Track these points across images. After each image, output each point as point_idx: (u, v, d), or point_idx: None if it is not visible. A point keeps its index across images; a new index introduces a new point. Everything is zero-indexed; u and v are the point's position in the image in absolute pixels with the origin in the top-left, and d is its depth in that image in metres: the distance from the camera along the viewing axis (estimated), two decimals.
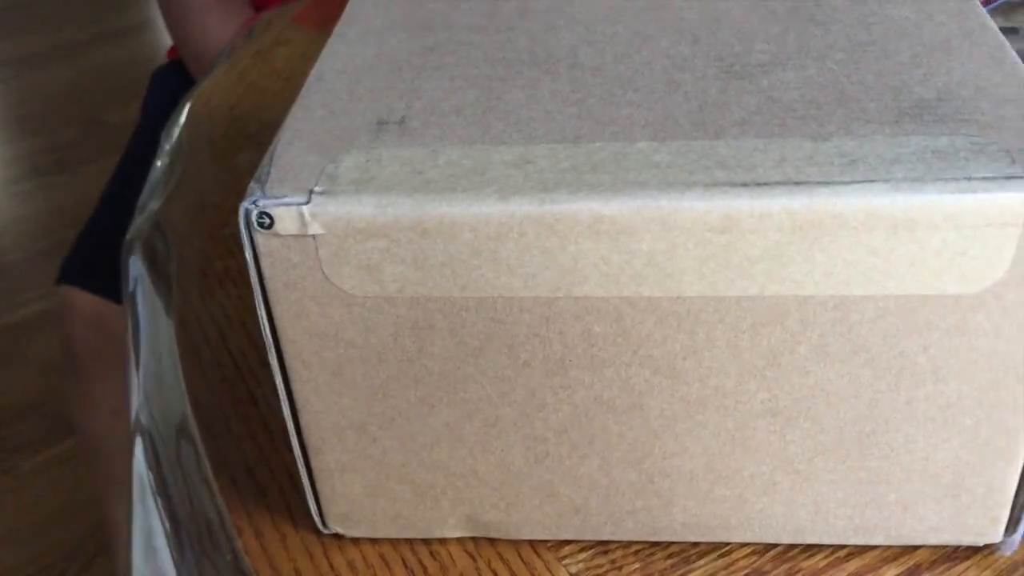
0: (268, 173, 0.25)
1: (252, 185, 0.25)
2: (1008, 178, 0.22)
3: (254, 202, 0.24)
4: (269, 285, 0.25)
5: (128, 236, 0.46)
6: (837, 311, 0.24)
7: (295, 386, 0.27)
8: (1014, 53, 0.27)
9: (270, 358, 0.26)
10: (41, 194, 1.80)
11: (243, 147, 0.49)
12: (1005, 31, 0.53)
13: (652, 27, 0.30)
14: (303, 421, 0.27)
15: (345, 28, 0.32)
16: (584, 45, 0.29)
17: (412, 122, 0.26)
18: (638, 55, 0.28)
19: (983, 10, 0.29)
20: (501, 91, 0.27)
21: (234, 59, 0.59)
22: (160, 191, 0.48)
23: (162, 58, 1.02)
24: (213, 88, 0.55)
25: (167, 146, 0.52)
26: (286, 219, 0.24)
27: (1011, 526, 0.27)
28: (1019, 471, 0.26)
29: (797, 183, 0.23)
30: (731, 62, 0.28)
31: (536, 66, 0.28)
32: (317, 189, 0.24)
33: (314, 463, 0.28)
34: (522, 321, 0.25)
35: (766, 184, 0.23)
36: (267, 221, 0.24)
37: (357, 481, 0.29)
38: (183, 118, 0.53)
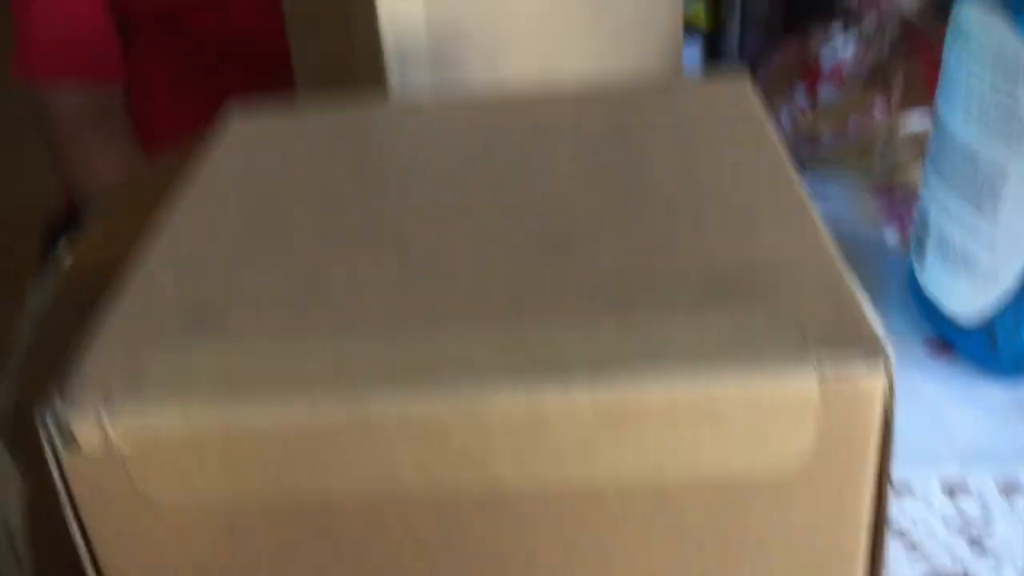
0: (71, 374, 0.24)
1: (51, 388, 0.24)
2: (798, 358, 0.22)
3: (53, 411, 0.23)
4: (76, 492, 0.24)
5: None
6: (656, 499, 0.24)
7: None
8: (820, 223, 0.28)
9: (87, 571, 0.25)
10: None
11: None
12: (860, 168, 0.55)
13: (478, 200, 0.30)
14: None
15: (177, 212, 0.32)
16: (411, 222, 0.30)
17: (229, 316, 0.26)
18: (461, 231, 0.29)
19: (797, 177, 0.30)
20: (323, 277, 0.27)
21: (110, 217, 0.58)
22: (22, 360, 0.47)
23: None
24: (86, 249, 0.54)
25: (33, 310, 0.50)
26: (87, 430, 0.23)
27: None
28: None
29: (602, 371, 0.23)
30: (550, 236, 0.28)
31: (361, 248, 0.29)
32: (119, 393, 0.23)
33: None
34: (343, 523, 0.24)
35: (572, 375, 0.23)
36: (68, 434, 0.23)
37: None
38: (52, 280, 0.52)
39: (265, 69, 0.91)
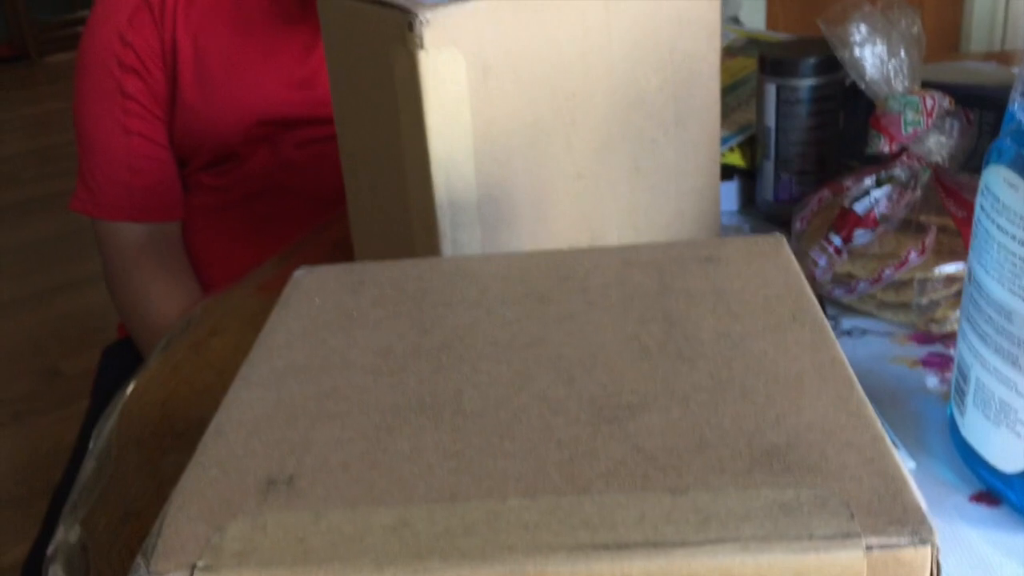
0: (155, 546, 0.26)
1: (138, 560, 0.25)
2: (846, 536, 0.23)
3: None
4: None
5: (49, 550, 0.46)
6: None
7: None
8: (860, 390, 0.29)
9: None
10: None
11: (171, 448, 0.50)
12: (895, 307, 0.56)
13: (532, 365, 0.32)
14: None
15: (249, 370, 0.34)
16: (469, 387, 0.31)
17: (300, 481, 0.28)
18: (517, 398, 0.30)
19: (835, 340, 0.32)
20: (387, 442, 0.29)
21: (170, 351, 0.61)
22: (86, 497, 0.49)
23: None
24: (147, 383, 0.57)
25: (96, 447, 0.52)
26: None
27: None
28: None
29: (655, 544, 0.24)
30: (602, 405, 0.30)
31: (422, 412, 0.30)
32: (200, 564, 0.25)
33: None
34: None
35: (626, 546, 0.24)
36: None
37: None
38: (114, 416, 0.54)
39: (316, 204, 0.96)
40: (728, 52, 0.88)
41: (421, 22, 0.46)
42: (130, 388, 0.58)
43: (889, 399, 0.52)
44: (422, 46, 0.47)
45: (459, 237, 0.50)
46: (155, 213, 0.97)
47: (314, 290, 0.39)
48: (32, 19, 4.71)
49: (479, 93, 0.49)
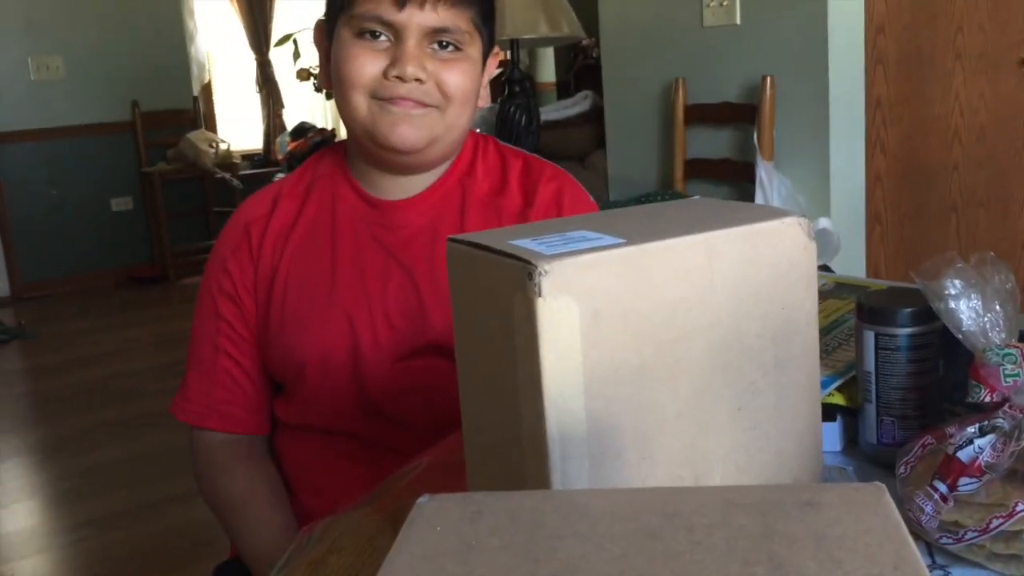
0: None
1: None
2: None
3: None
4: None
5: None
6: None
7: None
8: None
9: None
10: None
11: None
12: (1006, 557, 0.56)
13: None
14: None
15: None
16: None
17: None
18: None
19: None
20: None
21: (290, 567, 0.64)
22: None
23: None
24: None
25: None
26: None
27: None
28: None
29: None
30: None
31: None
32: None
33: None
34: None
35: None
36: None
37: None
38: None
39: (402, 428, 1.00)
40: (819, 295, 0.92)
41: (540, 273, 0.52)
42: None
43: None
44: (540, 294, 0.52)
45: (568, 469, 0.53)
46: (234, 424, 1.06)
47: (436, 517, 0.42)
48: (173, 246, 5.14)
49: (590, 336, 0.54)
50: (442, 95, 0.96)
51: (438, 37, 0.95)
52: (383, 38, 0.95)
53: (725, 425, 0.59)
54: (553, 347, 0.52)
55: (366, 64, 0.95)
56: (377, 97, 0.95)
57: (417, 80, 0.94)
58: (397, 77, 0.94)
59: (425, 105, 0.96)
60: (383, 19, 0.93)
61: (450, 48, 0.96)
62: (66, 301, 4.86)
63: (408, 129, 0.96)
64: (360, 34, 0.95)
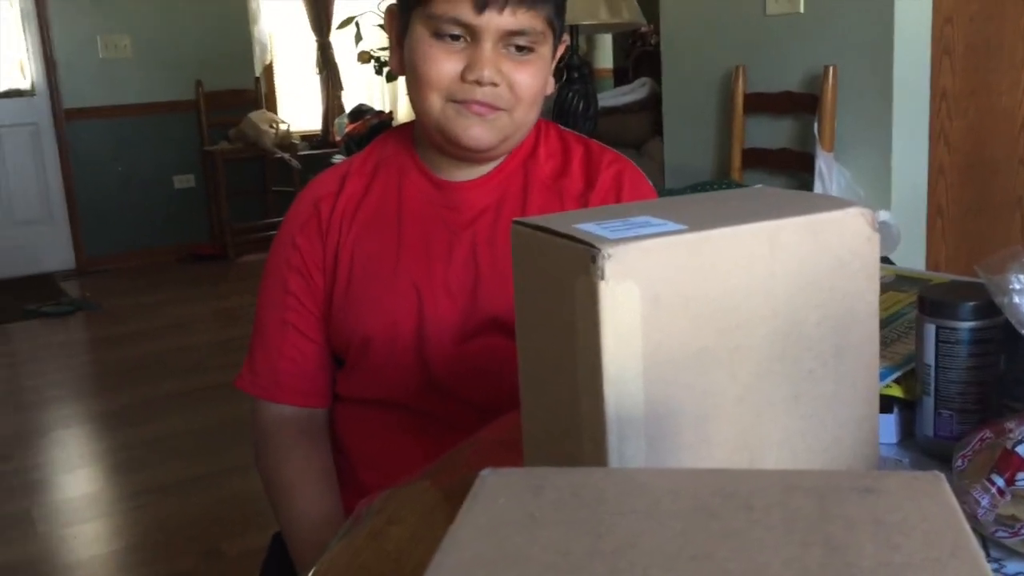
0: None
1: None
2: None
3: None
4: None
5: None
6: None
7: None
8: None
9: None
10: None
11: None
12: None
13: None
14: None
15: (441, 558, 0.38)
16: None
17: None
18: None
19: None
20: None
21: (350, 537, 0.66)
22: None
23: None
24: (328, 568, 0.62)
25: None
26: None
27: None
28: None
29: None
30: None
31: None
32: None
33: None
34: None
35: None
36: None
37: None
38: None
39: (462, 404, 1.02)
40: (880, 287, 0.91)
41: (603, 256, 0.53)
42: (311, 573, 0.62)
43: None
44: (603, 277, 0.53)
45: (625, 450, 0.54)
46: (299, 398, 1.09)
47: (499, 490, 0.43)
48: (232, 224, 5.24)
49: (650, 320, 0.54)
50: (513, 96, 0.98)
51: (514, 40, 0.97)
52: (460, 39, 0.96)
53: (782, 412, 0.60)
54: (614, 330, 0.53)
55: (444, 66, 0.96)
56: (453, 100, 0.97)
57: (492, 84, 0.96)
58: (474, 81, 0.95)
59: (497, 109, 0.98)
60: (461, 21, 0.95)
61: (524, 51, 0.98)
62: (128, 275, 4.99)
63: (481, 131, 0.98)
64: (437, 34, 0.96)
